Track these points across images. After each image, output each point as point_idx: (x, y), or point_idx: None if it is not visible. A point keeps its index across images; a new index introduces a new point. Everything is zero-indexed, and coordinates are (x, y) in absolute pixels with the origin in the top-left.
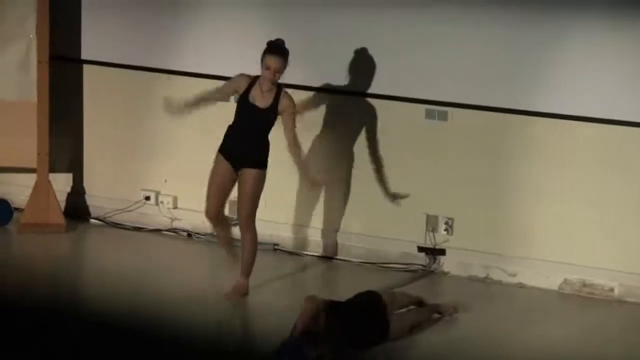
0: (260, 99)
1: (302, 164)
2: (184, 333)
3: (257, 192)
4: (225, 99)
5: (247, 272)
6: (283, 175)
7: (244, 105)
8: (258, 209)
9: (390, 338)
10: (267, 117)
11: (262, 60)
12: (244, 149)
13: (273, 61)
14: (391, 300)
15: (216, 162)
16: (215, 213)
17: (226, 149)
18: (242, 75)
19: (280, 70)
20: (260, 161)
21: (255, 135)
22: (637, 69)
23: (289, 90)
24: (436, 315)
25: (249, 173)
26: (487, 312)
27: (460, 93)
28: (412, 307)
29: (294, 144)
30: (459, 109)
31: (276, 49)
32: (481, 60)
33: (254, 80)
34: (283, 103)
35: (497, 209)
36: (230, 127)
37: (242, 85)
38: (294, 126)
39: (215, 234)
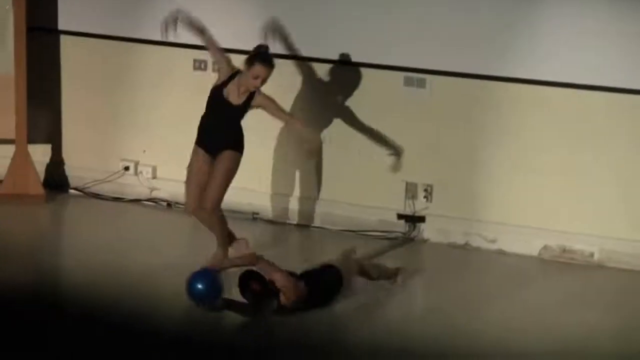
0: (236, 97)
1: (304, 126)
2: (165, 304)
3: (228, 172)
4: (216, 58)
5: (220, 242)
6: (258, 144)
7: (217, 99)
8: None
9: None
10: (238, 112)
11: (250, 65)
12: (218, 136)
13: (264, 72)
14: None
15: (193, 155)
16: (195, 206)
17: (201, 140)
18: (229, 66)
19: (267, 79)
20: (234, 143)
21: (227, 125)
22: (620, 33)
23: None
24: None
25: (223, 154)
26: (467, 278)
27: (439, 60)
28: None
29: (287, 120)
30: (437, 76)
31: (268, 60)
32: (460, 27)
33: (233, 75)
34: (257, 101)
35: (477, 176)
36: (202, 118)
37: (222, 78)
38: (278, 109)
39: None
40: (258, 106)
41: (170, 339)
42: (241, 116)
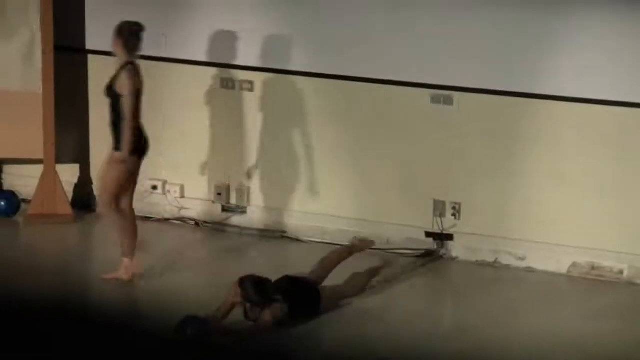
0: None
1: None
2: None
3: (110, 175)
4: None
5: (124, 253)
6: (293, 163)
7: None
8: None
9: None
10: (114, 97)
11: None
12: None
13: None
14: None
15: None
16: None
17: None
18: None
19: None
20: (118, 143)
21: (113, 120)
22: None
23: None
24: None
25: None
26: (496, 296)
27: (466, 77)
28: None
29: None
30: (464, 93)
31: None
32: (486, 44)
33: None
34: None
35: (505, 193)
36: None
37: None
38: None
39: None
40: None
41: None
42: (117, 103)
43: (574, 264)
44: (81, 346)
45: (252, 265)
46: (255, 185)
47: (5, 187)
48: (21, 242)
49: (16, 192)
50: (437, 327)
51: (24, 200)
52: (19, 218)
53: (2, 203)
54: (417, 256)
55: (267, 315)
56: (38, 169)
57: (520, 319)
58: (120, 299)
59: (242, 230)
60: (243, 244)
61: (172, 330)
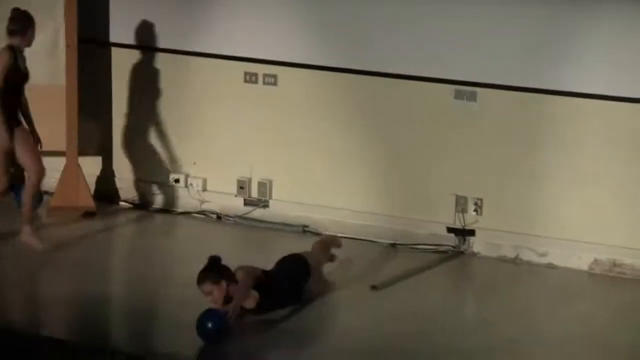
0: None
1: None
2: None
3: None
4: None
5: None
6: (315, 157)
7: None
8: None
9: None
10: None
11: None
12: None
13: None
14: (316, 261)
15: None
16: None
17: None
18: None
19: None
20: None
21: None
22: None
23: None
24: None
25: None
26: (517, 292)
27: (489, 73)
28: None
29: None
30: (488, 89)
31: None
32: (510, 40)
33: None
34: None
35: (527, 189)
36: None
37: None
38: None
39: None
40: None
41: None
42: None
43: (595, 261)
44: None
45: (273, 259)
46: (277, 179)
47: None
48: (43, 234)
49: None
50: (459, 322)
51: (46, 193)
52: (41, 210)
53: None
54: (439, 251)
55: (239, 275)
56: (61, 162)
57: (542, 315)
58: (138, 290)
59: (263, 223)
60: (264, 238)
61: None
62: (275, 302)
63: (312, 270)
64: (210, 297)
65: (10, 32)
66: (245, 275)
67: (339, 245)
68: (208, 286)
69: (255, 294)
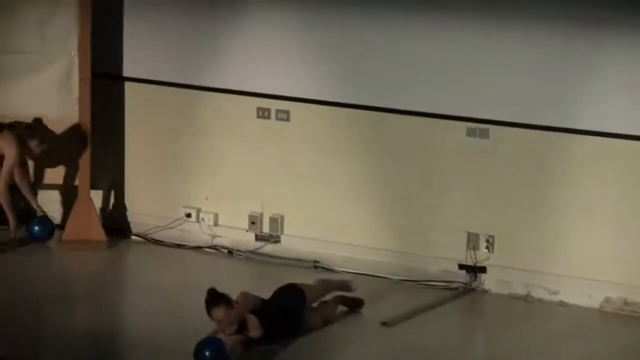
0: None
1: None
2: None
3: None
4: None
5: None
6: (327, 193)
7: None
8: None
9: (303, 332)
10: None
11: None
12: None
13: None
14: (313, 293)
15: None
16: None
17: None
18: None
19: None
20: None
21: None
22: None
23: None
24: (341, 307)
25: None
26: (528, 330)
27: (502, 111)
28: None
29: None
30: (500, 126)
31: None
32: (523, 78)
33: None
34: None
35: (539, 227)
36: None
37: None
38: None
39: None
40: None
41: None
42: None
43: (607, 299)
44: None
45: None
46: (289, 214)
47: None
48: (55, 267)
49: (50, 217)
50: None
51: (58, 226)
52: (53, 243)
53: (37, 228)
54: (450, 288)
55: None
56: (73, 195)
57: (553, 354)
58: (149, 324)
59: (275, 259)
60: (275, 273)
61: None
62: (273, 330)
63: (307, 300)
64: (223, 322)
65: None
66: (244, 298)
67: (349, 289)
68: (220, 312)
69: (255, 320)
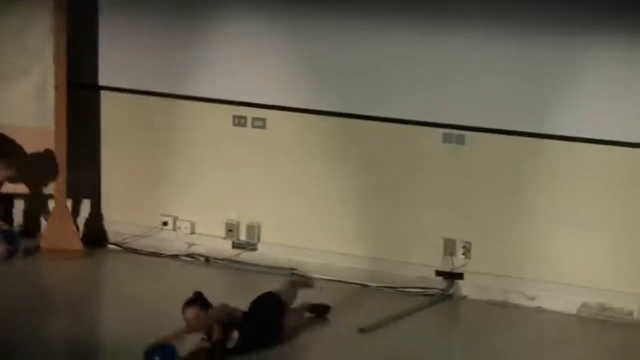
0: None
1: None
2: None
3: None
4: None
5: None
6: (304, 200)
7: None
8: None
9: (281, 341)
10: None
11: None
12: None
13: None
14: (289, 297)
15: None
16: None
17: None
18: None
19: None
20: None
21: None
22: None
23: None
24: (308, 314)
25: None
26: (507, 336)
27: (478, 117)
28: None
29: None
30: (476, 132)
31: None
32: (498, 84)
33: None
34: None
35: (515, 233)
36: None
37: None
38: None
39: None
40: None
41: None
42: None
43: (584, 304)
44: None
45: None
46: (266, 222)
47: (17, 222)
48: (31, 276)
49: (16, 232)
50: None
51: (34, 235)
52: (29, 253)
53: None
54: (427, 295)
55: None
56: (49, 204)
57: (529, 359)
58: (127, 333)
59: (252, 266)
60: (252, 281)
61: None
62: (255, 341)
63: (287, 306)
64: (191, 324)
65: None
66: (221, 309)
67: (310, 286)
68: (192, 312)
69: (234, 334)
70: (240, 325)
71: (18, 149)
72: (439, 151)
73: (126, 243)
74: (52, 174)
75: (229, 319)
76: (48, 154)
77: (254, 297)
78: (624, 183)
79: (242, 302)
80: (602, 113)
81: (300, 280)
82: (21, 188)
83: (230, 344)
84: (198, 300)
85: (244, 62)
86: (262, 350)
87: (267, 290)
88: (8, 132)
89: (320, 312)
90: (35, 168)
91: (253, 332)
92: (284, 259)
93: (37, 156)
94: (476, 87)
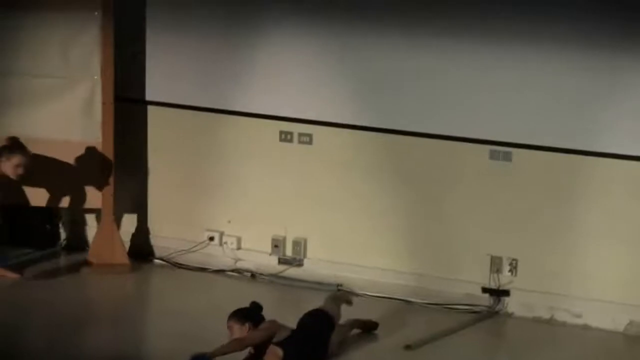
0: None
1: None
2: None
3: None
4: None
5: None
6: (350, 216)
7: None
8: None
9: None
10: None
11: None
12: None
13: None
14: (335, 313)
15: None
16: None
17: None
18: None
19: None
20: None
21: None
22: None
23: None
24: (356, 331)
25: None
26: (552, 354)
27: (525, 133)
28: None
29: None
30: (523, 149)
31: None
32: (545, 101)
33: None
34: None
35: (562, 250)
36: None
37: None
38: None
39: None
40: None
41: None
42: None
43: (631, 322)
44: None
45: None
46: (311, 237)
47: (64, 236)
48: (78, 291)
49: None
50: None
51: (83, 249)
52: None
53: None
54: (473, 312)
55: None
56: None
57: None
58: (173, 348)
59: (298, 282)
60: (298, 296)
61: None
62: (302, 358)
63: (336, 323)
64: (231, 334)
65: None
66: (267, 326)
67: (349, 302)
68: (230, 323)
69: (278, 351)
70: (286, 344)
71: (61, 165)
72: (486, 168)
73: (172, 258)
74: (98, 185)
75: (274, 337)
76: (97, 165)
77: (300, 313)
78: None
79: (288, 318)
80: None
81: (340, 295)
82: (66, 202)
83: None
84: (246, 314)
85: (292, 78)
86: None
87: (313, 306)
88: (53, 147)
89: (367, 328)
90: (79, 181)
91: (300, 351)
92: (329, 275)
93: (82, 169)
94: (523, 104)
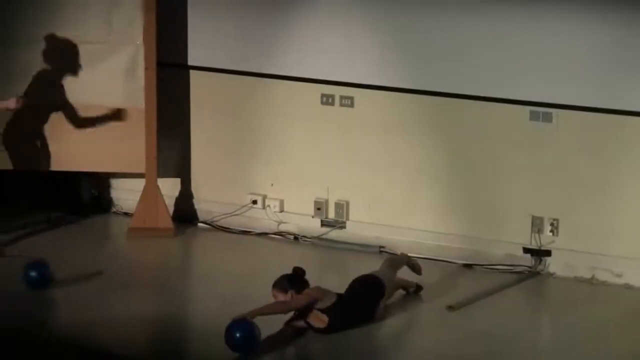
0: None
1: None
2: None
3: None
4: None
5: None
6: (392, 178)
7: None
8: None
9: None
10: None
11: None
12: None
13: None
14: (389, 278)
15: None
16: None
17: None
18: None
19: None
20: None
21: None
22: None
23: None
24: (401, 291)
25: None
26: (594, 314)
27: (565, 94)
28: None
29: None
30: (563, 110)
31: None
32: (586, 61)
33: None
34: None
35: (603, 210)
36: None
37: None
38: None
39: None
40: None
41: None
42: None
43: None
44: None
45: (349, 280)
46: (354, 200)
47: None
48: (123, 255)
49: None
50: (536, 343)
51: (126, 214)
52: (121, 232)
53: (33, 274)
54: (515, 272)
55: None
56: (140, 183)
57: (619, 337)
58: (217, 310)
59: (340, 244)
60: (341, 259)
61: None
62: (346, 325)
63: (386, 290)
64: (276, 304)
65: None
66: (313, 291)
67: (418, 271)
68: (274, 291)
69: (324, 317)
70: (331, 310)
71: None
72: (526, 128)
73: (216, 221)
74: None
75: (319, 303)
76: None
77: (343, 275)
78: None
79: (331, 280)
80: None
81: (400, 260)
82: (109, 167)
83: (317, 324)
84: (290, 280)
85: (333, 41)
86: (350, 329)
87: (356, 268)
88: (97, 113)
89: (411, 289)
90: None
91: (345, 317)
92: (371, 237)
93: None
94: (563, 64)
